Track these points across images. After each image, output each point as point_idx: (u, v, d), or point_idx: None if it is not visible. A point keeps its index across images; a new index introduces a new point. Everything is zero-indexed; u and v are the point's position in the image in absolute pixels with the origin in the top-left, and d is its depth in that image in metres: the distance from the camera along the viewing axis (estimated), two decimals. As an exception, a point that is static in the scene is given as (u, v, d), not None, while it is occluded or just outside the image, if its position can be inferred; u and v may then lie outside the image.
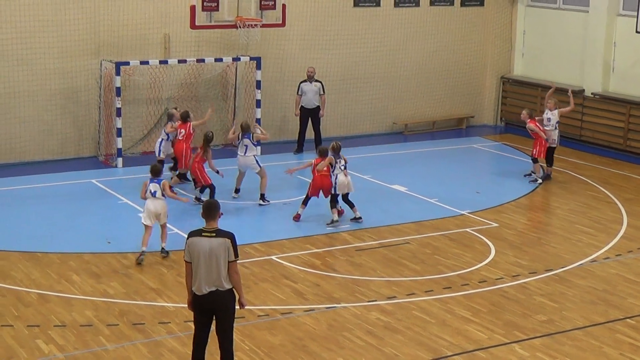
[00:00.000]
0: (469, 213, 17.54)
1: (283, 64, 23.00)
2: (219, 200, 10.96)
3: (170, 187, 15.10)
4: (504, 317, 12.66)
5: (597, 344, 11.86)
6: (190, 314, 10.29)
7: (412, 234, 16.24)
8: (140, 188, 14.85)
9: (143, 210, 14.65)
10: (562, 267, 14.74)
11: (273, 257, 14.87)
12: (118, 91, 20.20)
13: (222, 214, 10.15)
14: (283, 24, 21.46)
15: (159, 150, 18.64)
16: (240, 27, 20.72)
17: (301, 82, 21.99)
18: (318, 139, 21.80)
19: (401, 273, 14.33)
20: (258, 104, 21.84)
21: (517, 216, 17.60)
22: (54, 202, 17.75)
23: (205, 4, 20.39)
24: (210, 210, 9.91)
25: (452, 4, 25.31)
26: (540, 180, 19.71)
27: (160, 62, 20.97)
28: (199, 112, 21.19)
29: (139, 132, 21.49)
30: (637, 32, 21.80)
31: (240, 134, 17.81)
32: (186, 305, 10.29)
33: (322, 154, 16.57)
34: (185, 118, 18.47)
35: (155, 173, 14.81)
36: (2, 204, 17.51)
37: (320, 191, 16.59)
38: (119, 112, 20.29)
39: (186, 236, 9.97)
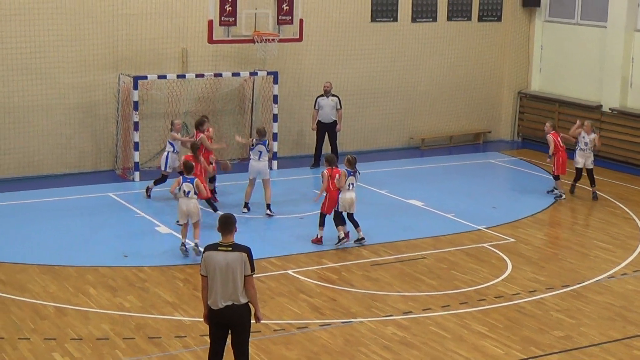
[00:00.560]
0: (485, 228, 17.49)
1: (300, 78, 23.06)
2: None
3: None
4: (521, 332, 12.60)
5: (614, 361, 11.82)
6: (206, 328, 10.29)
7: (429, 249, 16.21)
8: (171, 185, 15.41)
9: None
10: (579, 283, 14.67)
11: (289, 272, 14.86)
12: (136, 105, 20.29)
13: (236, 229, 10.08)
14: (300, 39, 21.51)
15: (165, 165, 18.69)
16: (257, 41, 20.77)
17: (318, 97, 22.04)
18: (335, 154, 21.75)
19: (417, 288, 14.29)
20: (275, 118, 21.89)
21: (534, 231, 17.54)
22: (71, 215, 17.82)
23: (222, 18, 20.44)
24: (227, 224, 9.88)
25: (469, 19, 25.32)
26: (564, 196, 19.70)
27: (178, 76, 21.06)
28: (215, 126, 21.22)
29: (156, 146, 21.54)
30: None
31: (255, 139, 17.82)
32: (202, 319, 10.30)
33: (331, 163, 16.27)
34: (198, 126, 18.28)
35: (188, 170, 14.93)
36: (19, 217, 17.57)
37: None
38: (136, 126, 20.38)
39: (202, 250, 9.99)
